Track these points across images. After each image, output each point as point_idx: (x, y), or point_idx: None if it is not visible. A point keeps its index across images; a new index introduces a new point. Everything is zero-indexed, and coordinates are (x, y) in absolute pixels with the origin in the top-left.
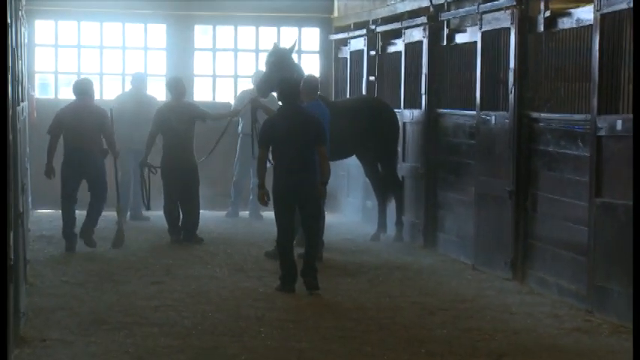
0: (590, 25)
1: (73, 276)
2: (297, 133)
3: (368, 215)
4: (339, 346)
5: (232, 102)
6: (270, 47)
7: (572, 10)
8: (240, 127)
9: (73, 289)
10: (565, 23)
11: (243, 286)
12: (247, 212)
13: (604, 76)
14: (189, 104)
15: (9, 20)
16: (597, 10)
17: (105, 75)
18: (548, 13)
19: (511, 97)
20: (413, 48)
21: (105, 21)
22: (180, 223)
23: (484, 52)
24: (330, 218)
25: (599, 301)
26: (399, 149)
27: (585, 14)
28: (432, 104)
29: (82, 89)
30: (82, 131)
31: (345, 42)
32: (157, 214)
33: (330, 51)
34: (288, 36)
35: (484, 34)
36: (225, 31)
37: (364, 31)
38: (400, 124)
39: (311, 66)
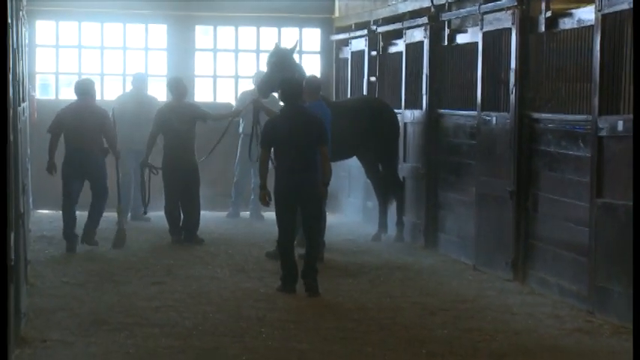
0: (592, 25)
1: (73, 276)
2: (298, 134)
3: (369, 216)
4: (340, 346)
5: (233, 102)
6: (272, 48)
7: (573, 11)
8: (241, 128)
9: (74, 290)
10: (566, 23)
11: (244, 287)
12: (248, 213)
13: (605, 76)
14: (190, 104)
15: (10, 20)
16: (598, 11)
17: (106, 75)
18: (549, 14)
19: (512, 97)
20: (414, 48)
21: (106, 21)
22: (181, 224)
23: (485, 52)
24: (331, 218)
25: (600, 302)
26: (400, 149)
27: (586, 14)
28: (433, 104)
29: (84, 89)
30: (83, 131)
31: (346, 42)
32: (157, 215)
33: (330, 51)
34: (288, 36)
35: (485, 35)
36: (225, 32)
37: (365, 32)
38: (401, 124)
39: (312, 66)
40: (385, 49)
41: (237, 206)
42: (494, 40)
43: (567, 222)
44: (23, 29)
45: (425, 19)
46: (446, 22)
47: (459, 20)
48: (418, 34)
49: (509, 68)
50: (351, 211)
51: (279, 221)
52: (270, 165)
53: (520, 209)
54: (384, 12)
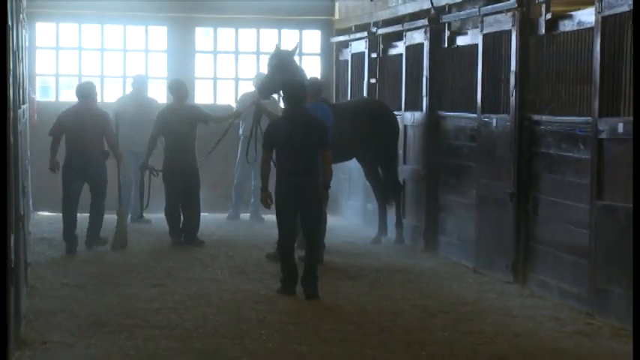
0: (592, 27)
1: (73, 278)
2: (300, 136)
3: (369, 218)
4: (340, 349)
5: (233, 104)
6: (272, 49)
7: (573, 13)
8: (241, 130)
9: (74, 292)
10: (566, 26)
11: (244, 289)
12: (248, 215)
13: (605, 78)
14: (191, 107)
15: (10, 22)
16: (598, 13)
17: (106, 77)
18: (549, 16)
19: (512, 99)
20: (414, 50)
21: (106, 23)
22: (181, 226)
23: (485, 54)
24: (330, 221)
25: (600, 304)
26: (400, 152)
27: (586, 17)
28: (433, 107)
29: (85, 92)
30: (84, 134)
31: (346, 44)
32: (158, 217)
33: (331, 53)
34: (289, 38)
35: (485, 37)
36: (226, 34)
37: (365, 34)
38: (401, 126)
39: (312, 68)
40: (385, 51)
41: (237, 208)
42: (495, 43)
43: (567, 224)
44: (23, 31)
45: (425, 21)
46: (446, 24)
47: (459, 22)
48: (418, 36)
49: (510, 70)
50: (351, 213)
51: (279, 223)
52: (272, 167)
53: (520, 212)
54: (384, 14)
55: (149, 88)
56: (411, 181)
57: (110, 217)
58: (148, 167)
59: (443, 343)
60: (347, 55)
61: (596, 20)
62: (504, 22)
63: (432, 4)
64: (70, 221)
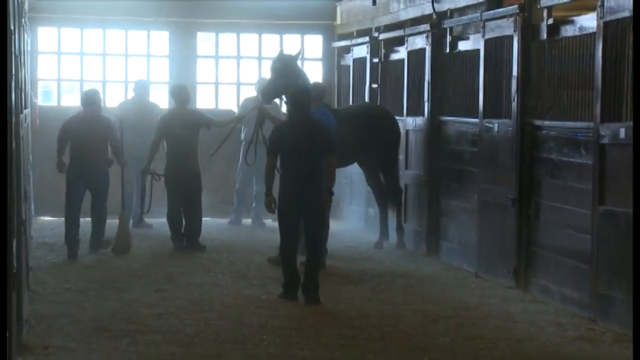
0: (593, 32)
1: (75, 283)
2: (304, 141)
3: (370, 223)
4: (342, 354)
5: (235, 109)
6: (275, 54)
7: (575, 18)
8: (243, 135)
9: (76, 297)
10: (568, 31)
11: (245, 294)
12: (250, 220)
13: (607, 83)
14: (193, 111)
15: (12, 27)
16: (600, 18)
17: (108, 82)
18: (551, 21)
19: (514, 104)
20: (416, 55)
21: (108, 28)
22: (182, 231)
23: (487, 59)
24: (332, 226)
25: (602, 310)
26: (402, 157)
27: (588, 22)
28: (435, 112)
29: (90, 99)
30: (88, 141)
31: (347, 49)
32: (159, 221)
33: (332, 58)
34: (290, 43)
35: (487, 42)
36: (227, 39)
37: (367, 39)
38: (403, 131)
39: (313, 73)
40: (387, 56)
41: (239, 213)
42: (496, 48)
43: (569, 229)
44: (25, 36)
45: (427, 27)
46: (448, 30)
47: (460, 27)
48: (420, 42)
49: (511, 75)
50: (353, 218)
51: (282, 228)
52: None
53: (522, 217)
54: (386, 19)
55: (151, 93)
56: (413, 186)
57: (113, 222)
58: (149, 172)
59: (445, 349)
60: (349, 60)
61: (598, 25)
62: (506, 28)
63: (433, 9)
64: (72, 226)
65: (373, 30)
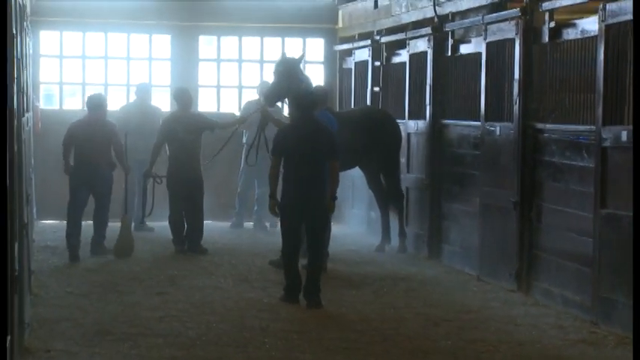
0: (595, 35)
1: (77, 287)
2: (308, 145)
3: (372, 226)
4: (343, 357)
5: (237, 113)
6: (278, 57)
7: (576, 21)
8: (244, 138)
9: (78, 300)
10: (570, 34)
11: (247, 297)
12: (252, 223)
13: (609, 87)
14: (196, 114)
15: (14, 31)
16: (602, 21)
17: (110, 85)
18: (552, 24)
19: (516, 107)
20: (417, 59)
21: (110, 31)
22: (184, 234)
23: (489, 62)
24: (334, 229)
25: (604, 313)
26: (404, 160)
27: (590, 25)
28: (437, 115)
29: (96, 103)
30: (92, 145)
31: (349, 52)
32: (161, 225)
33: (334, 61)
34: (292, 46)
35: (489, 45)
36: (229, 42)
37: (369, 42)
38: (404, 134)
39: (315, 76)
40: (389, 59)
41: (240, 216)
42: (498, 51)
43: (571, 232)
44: (27, 39)
45: (428, 30)
46: (449, 33)
47: (462, 31)
48: (422, 45)
49: (513, 79)
50: (355, 221)
51: (284, 231)
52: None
53: (524, 220)
54: (388, 22)
55: (153, 96)
56: (415, 190)
57: (115, 226)
58: (151, 175)
59: (446, 352)
60: (350, 63)
61: (600, 28)
62: (508, 31)
63: (435, 12)
64: (73, 228)
65: (375, 33)
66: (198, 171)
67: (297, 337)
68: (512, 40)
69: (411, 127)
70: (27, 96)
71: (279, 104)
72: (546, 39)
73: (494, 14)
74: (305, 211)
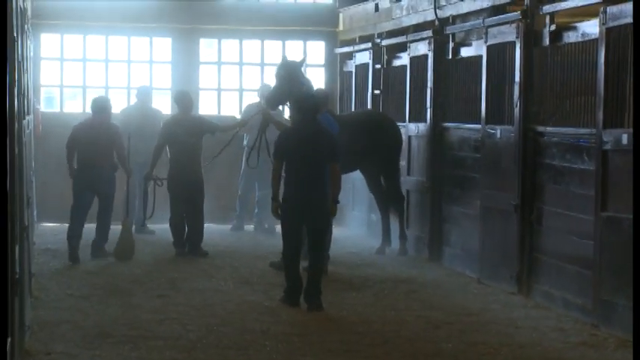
0: (596, 39)
1: (77, 289)
2: (309, 148)
3: (373, 229)
4: (344, 359)
5: (238, 115)
6: (280, 60)
7: (577, 24)
8: (245, 141)
9: (78, 303)
10: (570, 37)
11: (248, 300)
12: (252, 226)
13: (609, 90)
14: (197, 117)
15: (15, 34)
16: (603, 24)
17: (110, 88)
18: (553, 27)
19: (516, 110)
20: (418, 61)
21: (110, 34)
22: (185, 236)
23: (489, 65)
24: (335, 231)
25: (604, 315)
26: (405, 163)
27: (591, 28)
28: (438, 118)
29: (100, 106)
30: (96, 148)
31: (350, 55)
32: (162, 227)
33: (335, 64)
34: (293, 50)
35: (489, 48)
36: (230, 45)
37: (369, 45)
38: (405, 137)
39: (316, 79)
40: (389, 62)
41: (241, 219)
42: (499, 54)
43: (572, 235)
44: (28, 42)
45: (429, 33)
46: (450, 36)
47: (463, 33)
48: (422, 48)
49: (514, 82)
50: (355, 224)
51: (284, 233)
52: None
53: (524, 222)
54: (389, 25)
55: (153, 99)
56: (415, 192)
57: (116, 229)
58: (152, 177)
59: (447, 355)
60: (351, 66)
61: (601, 32)
62: (508, 34)
63: (436, 15)
64: (76, 230)
65: (376, 36)
66: (199, 174)
67: (298, 340)
68: (513, 43)
69: (411, 129)
70: (28, 99)
71: (280, 107)
72: (547, 42)
73: (495, 17)
74: (306, 213)
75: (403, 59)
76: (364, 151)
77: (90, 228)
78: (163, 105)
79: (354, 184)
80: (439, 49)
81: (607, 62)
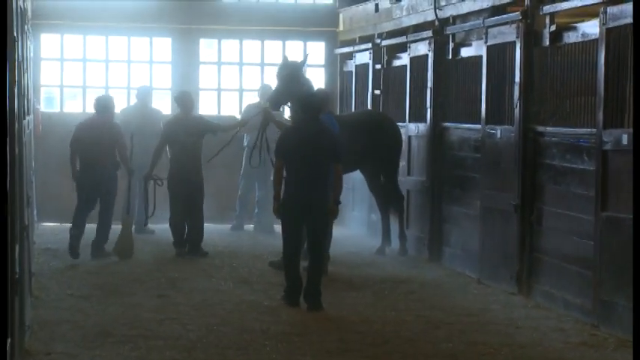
0: (596, 39)
1: (78, 289)
2: (309, 147)
3: (373, 229)
4: (344, 359)
5: (238, 116)
6: (281, 60)
7: (577, 25)
8: (245, 141)
9: (78, 302)
10: (570, 37)
11: (248, 300)
12: (252, 225)
13: (609, 90)
14: (198, 117)
15: (15, 34)
16: (603, 25)
17: (110, 88)
18: (553, 27)
19: (516, 111)
20: (418, 62)
21: (110, 35)
22: (185, 236)
23: (489, 65)
24: (335, 231)
25: (604, 316)
26: (405, 163)
27: (591, 28)
28: (438, 118)
29: (104, 105)
30: (99, 148)
31: (350, 56)
32: (161, 227)
33: (335, 65)
34: (293, 50)
35: (489, 48)
36: (230, 45)
37: (369, 45)
38: (405, 137)
39: (316, 80)
40: (389, 62)
41: (241, 219)
42: (499, 54)
43: (572, 235)
44: (28, 42)
45: (429, 33)
46: (450, 36)
47: (463, 34)
48: (422, 48)
49: (514, 82)
50: (355, 224)
51: (284, 233)
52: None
53: (525, 223)
54: (389, 25)
55: (153, 99)
56: (415, 192)
57: (117, 228)
58: (152, 177)
59: (447, 355)
60: (351, 66)
61: (601, 32)
62: (508, 34)
63: (436, 15)
64: (79, 228)
65: (376, 36)
66: (199, 174)
67: (297, 340)
68: (513, 44)
69: (411, 130)
70: (28, 99)
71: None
72: (547, 42)
73: (495, 17)
74: (306, 213)
75: (403, 59)
76: (364, 151)
77: (90, 228)
78: (163, 105)
79: (354, 184)
80: (439, 50)
81: (607, 62)
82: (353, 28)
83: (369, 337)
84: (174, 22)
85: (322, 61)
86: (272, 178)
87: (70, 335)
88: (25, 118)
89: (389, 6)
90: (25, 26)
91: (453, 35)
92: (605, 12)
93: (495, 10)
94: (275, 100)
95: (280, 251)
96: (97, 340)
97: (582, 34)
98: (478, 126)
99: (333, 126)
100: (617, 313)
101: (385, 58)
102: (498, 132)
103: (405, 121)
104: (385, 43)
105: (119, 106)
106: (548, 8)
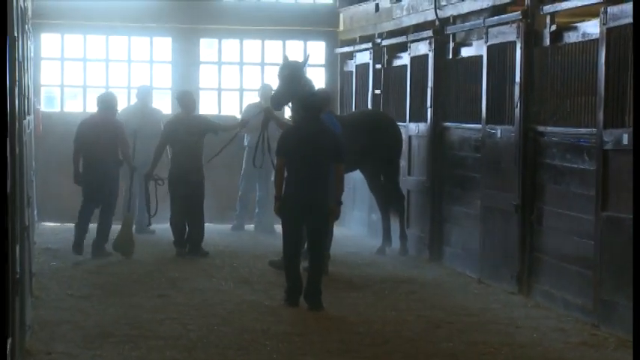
0: (597, 39)
1: (78, 289)
2: (310, 147)
3: (373, 228)
4: (344, 359)
5: (238, 115)
6: (282, 60)
7: (578, 24)
8: (246, 141)
9: (79, 302)
10: (571, 37)
11: (248, 300)
12: (252, 225)
13: (610, 89)
14: (199, 117)
15: (15, 34)
16: (603, 24)
17: (110, 88)
18: (554, 27)
19: (517, 110)
20: (419, 61)
21: (111, 34)
22: (185, 236)
23: (490, 65)
24: (335, 231)
25: (605, 315)
26: (405, 163)
27: (591, 28)
28: (438, 117)
29: (105, 102)
30: (101, 147)
31: (350, 55)
32: (162, 227)
33: (335, 64)
34: (293, 50)
35: (490, 48)
36: (230, 45)
37: (370, 45)
38: (406, 137)
39: (316, 79)
40: (390, 62)
41: (241, 219)
42: (499, 54)
43: (572, 235)
44: (28, 42)
45: (430, 33)
46: (451, 36)
47: (463, 33)
48: (423, 48)
49: (514, 82)
50: (356, 224)
51: (285, 233)
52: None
53: (525, 222)
54: (389, 25)
55: (154, 99)
56: (416, 192)
57: (117, 228)
58: (152, 177)
59: (448, 354)
60: (351, 66)
61: (601, 32)
62: (509, 34)
63: (436, 15)
64: (84, 223)
65: (376, 36)
66: (200, 173)
67: (298, 340)
68: (514, 43)
69: (412, 129)
70: (28, 99)
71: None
72: (547, 42)
73: (496, 17)
74: (306, 213)
75: (404, 59)
76: (364, 150)
77: (91, 228)
78: (163, 105)
79: (355, 184)
80: (439, 49)
81: (607, 62)
82: (353, 28)
83: (370, 336)
84: (174, 21)
85: (322, 61)
86: (273, 178)
87: (71, 335)
88: (25, 118)
89: (389, 6)
90: (26, 26)
91: (454, 35)
92: (606, 12)
93: (496, 10)
94: (276, 100)
95: (280, 251)
96: (97, 340)
97: (583, 34)
98: (478, 126)
99: (334, 126)
100: (617, 313)
101: (385, 57)
102: (499, 132)
103: (405, 121)
104: (385, 42)
105: (119, 106)
106: (548, 8)
